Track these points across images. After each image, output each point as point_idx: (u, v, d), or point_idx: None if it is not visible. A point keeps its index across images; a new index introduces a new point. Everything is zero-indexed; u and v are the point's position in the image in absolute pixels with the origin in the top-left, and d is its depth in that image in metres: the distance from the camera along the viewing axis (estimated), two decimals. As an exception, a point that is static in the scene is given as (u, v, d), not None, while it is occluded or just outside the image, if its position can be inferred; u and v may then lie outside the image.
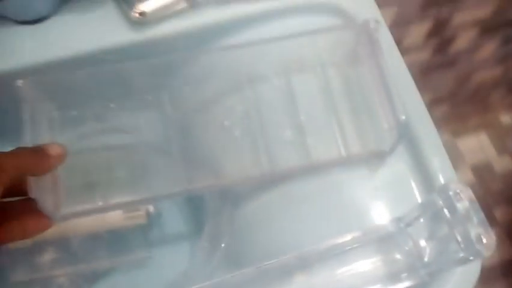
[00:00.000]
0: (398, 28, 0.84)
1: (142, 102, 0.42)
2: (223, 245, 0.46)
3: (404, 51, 0.90)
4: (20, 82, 0.36)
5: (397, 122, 0.37)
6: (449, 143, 1.27)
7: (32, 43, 0.43)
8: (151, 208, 0.46)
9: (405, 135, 0.40)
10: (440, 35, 0.92)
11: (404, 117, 0.36)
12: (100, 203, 0.38)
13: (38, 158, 0.32)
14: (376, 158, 0.41)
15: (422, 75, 1.02)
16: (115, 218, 0.46)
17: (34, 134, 0.36)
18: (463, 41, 0.96)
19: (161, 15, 0.42)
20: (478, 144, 1.27)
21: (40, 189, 0.33)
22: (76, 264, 0.45)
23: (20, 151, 0.32)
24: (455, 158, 1.25)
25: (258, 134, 0.40)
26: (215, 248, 0.45)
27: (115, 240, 0.46)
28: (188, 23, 0.43)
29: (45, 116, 0.39)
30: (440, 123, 1.24)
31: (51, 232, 0.42)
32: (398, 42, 0.47)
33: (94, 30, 0.42)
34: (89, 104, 0.41)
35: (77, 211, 0.37)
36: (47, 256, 0.45)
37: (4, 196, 0.30)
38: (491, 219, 1.08)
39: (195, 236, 0.47)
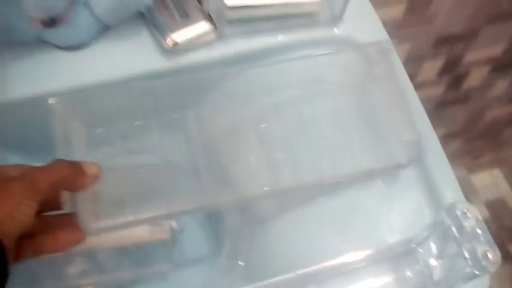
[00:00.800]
0: (411, 64, 0.87)
1: (169, 120, 0.45)
2: (240, 262, 0.48)
3: (417, 86, 0.93)
4: (51, 99, 0.38)
5: (416, 134, 0.40)
6: (463, 178, 1.28)
7: (72, 68, 0.47)
8: (174, 224, 0.49)
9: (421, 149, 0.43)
10: (453, 72, 0.95)
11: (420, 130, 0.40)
12: (131, 218, 0.39)
13: (74, 175, 0.33)
14: (395, 170, 0.43)
15: (435, 110, 1.05)
16: (141, 233, 0.48)
17: (67, 151, 0.37)
18: (475, 78, 0.99)
19: (192, 45, 0.46)
20: (492, 180, 1.28)
21: (74, 204, 0.34)
22: (102, 275, 0.47)
23: (56, 165, 0.32)
24: (470, 193, 1.26)
25: (279, 151, 0.42)
26: (233, 264, 0.47)
27: (140, 254, 0.48)
28: (216, 52, 0.47)
29: (76, 134, 0.41)
30: (454, 158, 1.26)
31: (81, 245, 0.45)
32: (412, 78, 0.50)
33: (129, 57, 0.46)
34: (116, 122, 0.44)
35: (109, 225, 0.38)
36: (76, 267, 0.47)
37: (39, 209, 0.30)
38: (505, 255, 1.08)
39: (215, 252, 0.49)
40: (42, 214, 0.32)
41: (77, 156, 0.38)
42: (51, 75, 0.46)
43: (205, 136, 0.43)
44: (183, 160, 0.44)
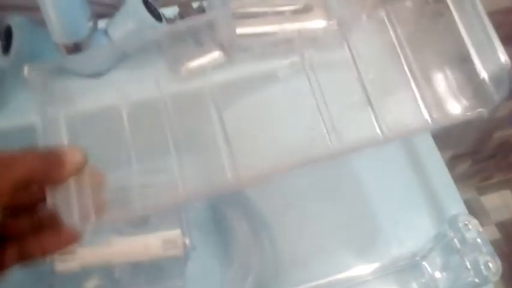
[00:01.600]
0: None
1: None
2: (251, 277, 0.49)
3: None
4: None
5: (500, 67, 0.29)
6: (473, 200, 1.28)
7: (90, 93, 0.49)
8: (187, 241, 0.51)
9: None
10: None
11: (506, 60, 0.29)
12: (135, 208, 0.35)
13: (48, 167, 0.27)
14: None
15: (443, 131, 1.06)
16: (155, 249, 0.50)
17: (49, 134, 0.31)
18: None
19: (204, 70, 0.49)
20: (502, 202, 1.28)
21: (61, 198, 0.28)
22: (117, 290, 0.49)
23: (23, 157, 0.26)
24: (480, 215, 1.26)
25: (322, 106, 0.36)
26: (244, 278, 0.48)
27: (154, 270, 0.50)
28: (226, 75, 0.49)
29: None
30: (464, 180, 1.26)
31: (97, 259, 0.47)
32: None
33: (145, 83, 0.49)
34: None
35: (109, 218, 0.32)
36: (92, 282, 0.49)
37: (17, 208, 0.27)
38: (517, 276, 1.07)
39: (226, 266, 0.51)
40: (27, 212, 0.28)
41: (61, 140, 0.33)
42: (68, 100, 0.49)
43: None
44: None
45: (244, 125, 0.43)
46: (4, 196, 0.24)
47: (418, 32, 0.36)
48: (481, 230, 0.36)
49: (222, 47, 0.50)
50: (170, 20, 0.52)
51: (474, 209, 1.26)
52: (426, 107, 0.33)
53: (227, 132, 0.42)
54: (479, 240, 0.36)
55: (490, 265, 0.35)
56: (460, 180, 1.22)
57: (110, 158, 0.44)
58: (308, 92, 0.39)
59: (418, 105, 0.33)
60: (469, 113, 0.32)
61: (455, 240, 0.37)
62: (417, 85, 0.34)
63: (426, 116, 0.33)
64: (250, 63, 0.50)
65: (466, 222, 0.37)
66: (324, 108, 0.37)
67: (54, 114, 0.35)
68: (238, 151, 0.39)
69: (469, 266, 0.36)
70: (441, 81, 0.34)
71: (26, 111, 0.48)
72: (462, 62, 0.32)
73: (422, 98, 0.33)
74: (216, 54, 0.50)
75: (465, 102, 0.33)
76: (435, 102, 0.33)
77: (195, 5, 0.54)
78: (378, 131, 0.33)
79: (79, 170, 0.28)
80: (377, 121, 0.34)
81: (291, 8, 0.59)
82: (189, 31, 0.51)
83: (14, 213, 0.27)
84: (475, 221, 0.37)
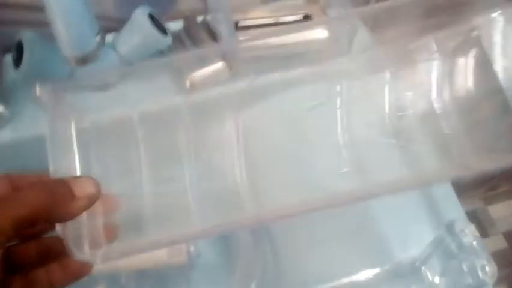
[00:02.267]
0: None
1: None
2: (253, 285, 0.50)
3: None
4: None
5: None
6: (480, 210, 1.28)
7: (100, 106, 0.51)
8: (191, 248, 0.52)
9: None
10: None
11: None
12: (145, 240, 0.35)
13: (58, 201, 0.24)
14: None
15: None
16: (160, 257, 0.51)
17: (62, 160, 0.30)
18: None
19: (208, 82, 0.51)
20: (509, 211, 1.27)
21: (70, 229, 0.26)
22: (123, 297, 0.50)
23: (31, 189, 0.24)
24: (487, 225, 1.25)
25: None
26: (247, 284, 0.49)
27: (159, 277, 0.51)
28: (230, 88, 0.51)
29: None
30: (471, 190, 1.26)
31: (104, 266, 0.48)
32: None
33: (151, 95, 0.51)
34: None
35: (120, 251, 0.31)
36: (99, 289, 0.50)
37: (24, 237, 0.26)
38: (525, 286, 1.06)
39: (229, 273, 0.52)
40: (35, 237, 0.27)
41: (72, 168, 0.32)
42: (78, 114, 0.50)
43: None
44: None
45: (264, 159, 0.43)
46: (5, 234, 0.22)
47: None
48: (477, 234, 0.37)
49: (224, 59, 0.52)
50: (175, 34, 0.53)
51: (481, 219, 1.26)
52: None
53: (247, 164, 0.43)
54: (475, 244, 0.37)
55: (487, 268, 0.36)
56: (466, 190, 1.22)
57: (122, 170, 0.45)
58: (336, 125, 0.40)
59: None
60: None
61: (453, 245, 0.38)
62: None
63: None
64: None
65: (463, 228, 0.37)
66: (352, 145, 0.38)
67: (65, 127, 0.35)
68: (259, 183, 0.40)
69: (466, 270, 0.37)
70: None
71: (37, 122, 0.50)
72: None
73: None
74: (219, 66, 0.51)
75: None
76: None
77: (199, 19, 0.56)
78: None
79: (91, 204, 0.26)
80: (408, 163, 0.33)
81: (292, 18, 0.61)
82: (193, 43, 0.53)
83: (21, 239, 0.26)
84: (472, 226, 0.38)
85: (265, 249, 0.50)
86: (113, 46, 0.50)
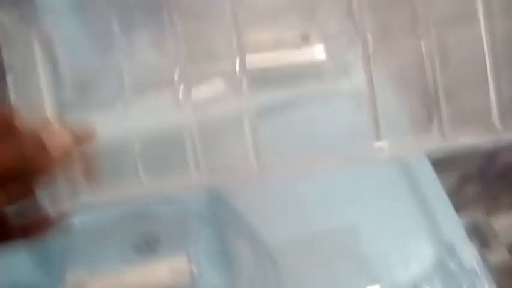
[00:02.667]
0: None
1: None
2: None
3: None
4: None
5: None
6: (483, 222, 1.28)
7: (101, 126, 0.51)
8: (194, 269, 0.52)
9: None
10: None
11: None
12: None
13: (28, 159, 0.23)
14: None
15: (449, 153, 1.06)
16: (163, 278, 0.51)
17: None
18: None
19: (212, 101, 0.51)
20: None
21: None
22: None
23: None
24: (490, 236, 1.25)
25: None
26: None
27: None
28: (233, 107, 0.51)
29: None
30: (473, 201, 1.26)
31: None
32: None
33: (152, 114, 0.51)
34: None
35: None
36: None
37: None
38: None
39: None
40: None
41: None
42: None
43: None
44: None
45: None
46: None
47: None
48: (477, 255, 0.37)
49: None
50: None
51: (483, 231, 1.26)
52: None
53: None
54: (476, 265, 0.37)
55: (487, 289, 0.36)
56: (469, 201, 1.22)
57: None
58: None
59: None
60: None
61: (453, 265, 0.38)
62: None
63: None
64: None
65: (463, 248, 0.38)
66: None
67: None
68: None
69: (467, 291, 0.37)
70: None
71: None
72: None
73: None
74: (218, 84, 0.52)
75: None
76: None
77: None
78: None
79: (66, 157, 0.24)
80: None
81: (289, 35, 0.61)
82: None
83: None
84: (471, 247, 0.38)
85: (267, 268, 0.50)
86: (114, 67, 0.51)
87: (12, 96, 0.27)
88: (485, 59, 0.34)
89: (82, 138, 0.26)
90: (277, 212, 0.48)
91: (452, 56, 0.35)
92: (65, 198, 0.26)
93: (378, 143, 0.33)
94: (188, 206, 0.55)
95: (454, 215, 0.46)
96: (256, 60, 0.50)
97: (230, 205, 0.47)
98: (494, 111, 0.33)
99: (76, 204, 0.27)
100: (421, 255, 0.44)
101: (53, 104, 0.28)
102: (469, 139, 0.32)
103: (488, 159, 1.15)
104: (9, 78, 0.27)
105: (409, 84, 0.39)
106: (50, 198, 0.25)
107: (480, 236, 1.18)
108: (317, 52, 0.55)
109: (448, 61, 0.35)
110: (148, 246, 0.54)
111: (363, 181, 0.48)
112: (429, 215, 0.46)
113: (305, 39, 0.60)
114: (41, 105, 0.27)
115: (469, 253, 0.37)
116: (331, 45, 0.55)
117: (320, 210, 0.48)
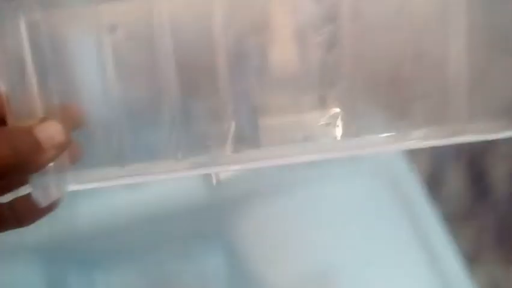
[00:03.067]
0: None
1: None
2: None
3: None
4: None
5: None
6: (501, 274, 1.25)
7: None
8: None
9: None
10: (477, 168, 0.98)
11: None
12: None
13: (22, 156, 0.23)
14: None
15: (463, 205, 1.07)
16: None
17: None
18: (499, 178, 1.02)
19: (232, 178, 0.54)
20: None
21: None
22: None
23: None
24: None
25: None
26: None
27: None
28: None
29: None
30: (489, 251, 1.24)
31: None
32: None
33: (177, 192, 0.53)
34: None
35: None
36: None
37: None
38: None
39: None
40: None
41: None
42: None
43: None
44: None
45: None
46: None
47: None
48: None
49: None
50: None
51: (502, 283, 1.23)
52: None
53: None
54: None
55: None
56: (486, 252, 1.20)
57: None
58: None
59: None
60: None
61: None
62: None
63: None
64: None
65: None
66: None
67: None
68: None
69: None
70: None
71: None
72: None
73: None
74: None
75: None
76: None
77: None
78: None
79: (60, 153, 0.24)
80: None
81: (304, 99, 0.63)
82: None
83: None
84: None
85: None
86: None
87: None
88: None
89: (73, 124, 0.26)
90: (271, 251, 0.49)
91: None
92: (54, 186, 0.26)
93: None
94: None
95: (465, 273, 0.46)
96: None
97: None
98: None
99: (65, 191, 0.27)
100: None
101: (44, 95, 0.26)
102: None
103: (503, 213, 1.15)
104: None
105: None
106: (40, 186, 0.25)
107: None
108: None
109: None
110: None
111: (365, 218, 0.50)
112: (441, 272, 0.46)
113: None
114: (32, 98, 0.25)
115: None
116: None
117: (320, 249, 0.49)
